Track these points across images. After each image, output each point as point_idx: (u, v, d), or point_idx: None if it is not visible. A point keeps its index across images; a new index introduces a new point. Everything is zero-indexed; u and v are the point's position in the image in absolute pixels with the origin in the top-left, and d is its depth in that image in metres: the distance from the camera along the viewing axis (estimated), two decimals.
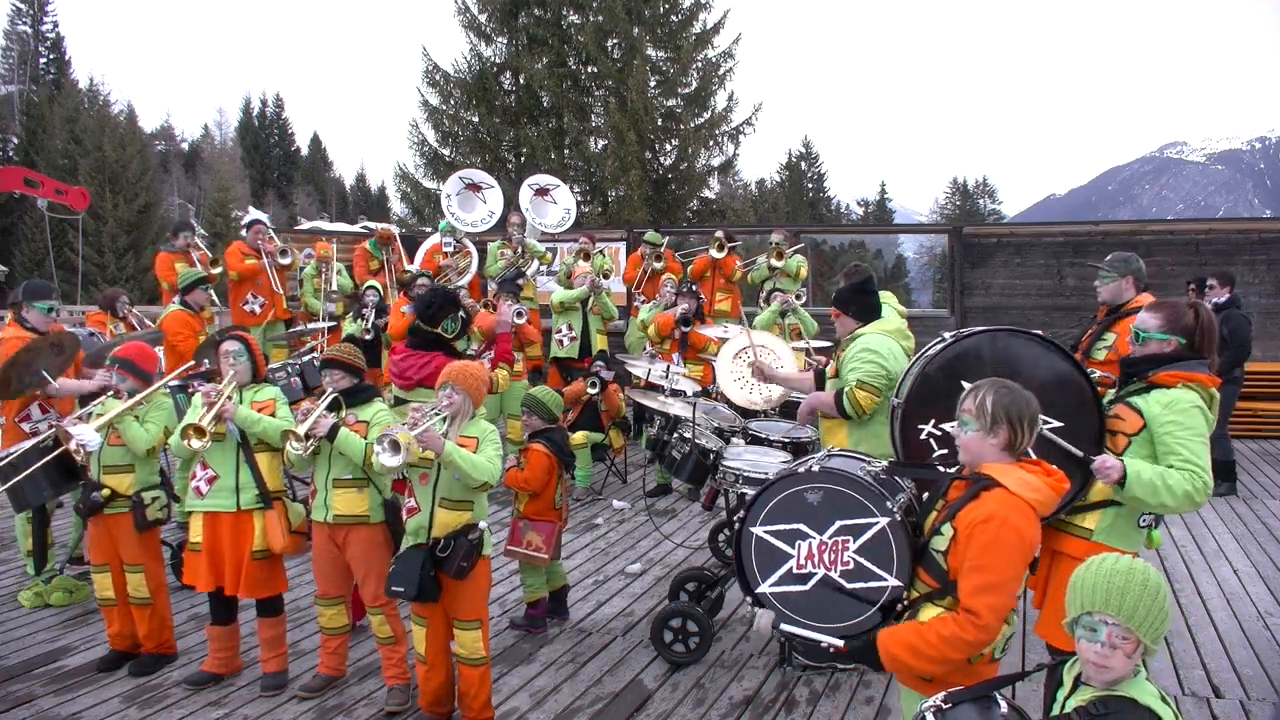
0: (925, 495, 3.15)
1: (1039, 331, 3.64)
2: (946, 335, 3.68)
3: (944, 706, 2.26)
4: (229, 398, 4.47)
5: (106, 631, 4.97)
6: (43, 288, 6.02)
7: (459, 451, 3.87)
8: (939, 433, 3.52)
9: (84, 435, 4.56)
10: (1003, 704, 2.24)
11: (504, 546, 5.24)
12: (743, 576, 3.18)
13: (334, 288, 9.73)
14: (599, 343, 9.02)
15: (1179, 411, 3.23)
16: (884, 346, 4.37)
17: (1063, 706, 2.17)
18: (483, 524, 4.08)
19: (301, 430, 4.18)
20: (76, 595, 5.83)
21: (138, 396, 4.71)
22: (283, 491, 4.66)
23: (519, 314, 7.68)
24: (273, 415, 4.52)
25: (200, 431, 4.33)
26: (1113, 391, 3.55)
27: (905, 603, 2.91)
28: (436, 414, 3.94)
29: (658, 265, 10.10)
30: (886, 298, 5.51)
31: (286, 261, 9.27)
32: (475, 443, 4.00)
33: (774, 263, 9.66)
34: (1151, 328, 3.41)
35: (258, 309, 9.16)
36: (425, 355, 5.01)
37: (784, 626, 3.05)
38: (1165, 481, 3.15)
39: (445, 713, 4.24)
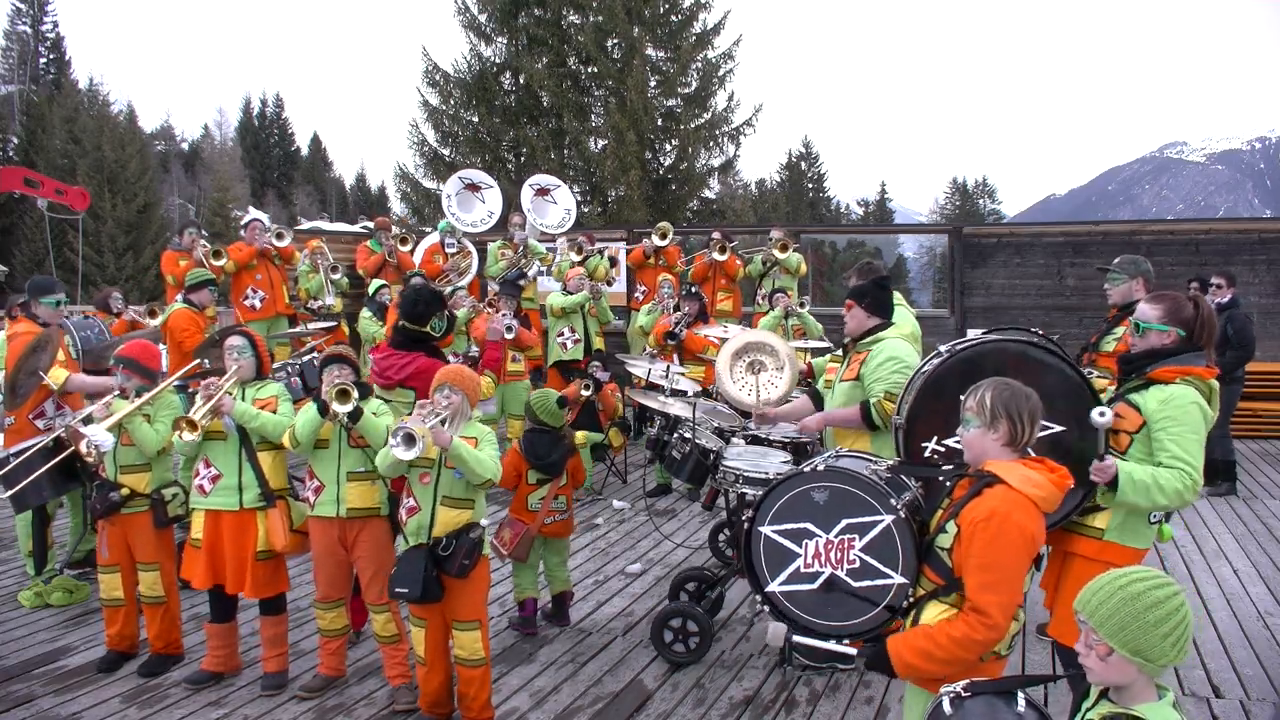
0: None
1: (1036, 330, 3.64)
2: (942, 350, 3.67)
3: (964, 694, 2.26)
4: (228, 392, 4.47)
5: (106, 632, 4.96)
6: (48, 282, 6.04)
7: (465, 447, 3.89)
8: (942, 449, 3.52)
9: (97, 436, 4.49)
10: (1022, 701, 2.23)
11: None
12: (753, 576, 3.20)
13: (336, 275, 9.73)
14: (597, 344, 9.02)
15: (1175, 408, 3.25)
16: (908, 354, 4.36)
17: (1084, 714, 2.15)
18: (484, 522, 4.09)
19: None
20: (76, 595, 5.82)
21: (145, 396, 4.68)
22: (286, 490, 4.66)
23: (509, 329, 7.66)
24: (274, 413, 4.52)
25: (192, 425, 4.33)
26: (1113, 389, 3.55)
27: (911, 600, 2.92)
28: (435, 414, 3.94)
29: (659, 243, 10.17)
30: (897, 300, 5.50)
31: (284, 244, 9.27)
32: (475, 443, 4.01)
33: (778, 255, 9.70)
34: (1151, 318, 3.41)
35: (258, 304, 9.15)
36: (407, 355, 4.99)
37: (797, 638, 3.06)
38: (1157, 481, 3.19)
39: (445, 713, 4.24)
